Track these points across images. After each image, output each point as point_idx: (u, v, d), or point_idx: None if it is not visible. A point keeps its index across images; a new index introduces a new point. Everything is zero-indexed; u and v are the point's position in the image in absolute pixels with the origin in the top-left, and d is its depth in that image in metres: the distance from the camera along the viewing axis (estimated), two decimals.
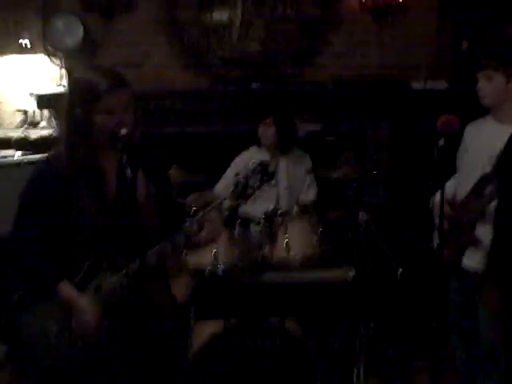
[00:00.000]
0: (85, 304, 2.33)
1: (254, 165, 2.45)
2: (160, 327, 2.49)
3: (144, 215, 2.30)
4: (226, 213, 3.17)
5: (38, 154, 4.33)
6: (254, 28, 5.15)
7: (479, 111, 3.24)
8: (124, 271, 2.35)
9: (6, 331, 2.41)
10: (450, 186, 3.14)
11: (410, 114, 4.93)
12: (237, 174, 2.47)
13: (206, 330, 3.21)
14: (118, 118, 2.26)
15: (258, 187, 2.46)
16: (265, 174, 2.45)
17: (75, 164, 2.33)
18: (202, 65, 5.15)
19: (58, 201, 2.32)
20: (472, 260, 3.13)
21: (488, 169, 3.04)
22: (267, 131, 4.01)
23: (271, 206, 3.92)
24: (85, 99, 2.27)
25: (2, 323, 2.41)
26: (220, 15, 5.13)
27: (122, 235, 2.34)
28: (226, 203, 2.52)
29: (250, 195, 2.47)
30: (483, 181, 3.07)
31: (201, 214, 2.47)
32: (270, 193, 4.00)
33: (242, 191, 2.45)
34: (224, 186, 4.05)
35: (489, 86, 3.02)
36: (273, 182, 3.92)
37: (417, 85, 4.95)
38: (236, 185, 2.46)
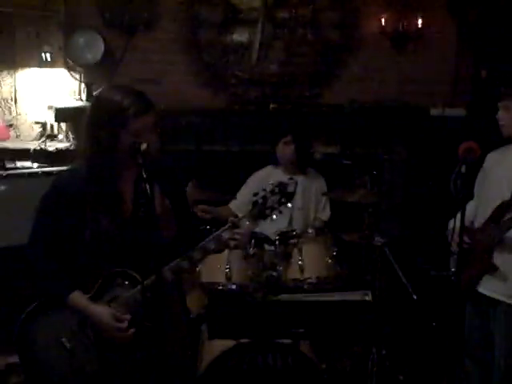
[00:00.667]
0: (99, 311, 2.33)
1: (273, 186, 2.42)
2: (172, 343, 2.47)
3: (160, 230, 2.29)
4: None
5: (54, 166, 4.36)
6: (273, 50, 5.19)
7: (497, 139, 3.23)
8: (139, 286, 2.34)
9: (20, 341, 2.41)
10: (467, 211, 3.12)
11: (427, 140, 4.92)
12: (255, 194, 2.44)
13: (216, 347, 3.18)
14: (143, 138, 2.26)
15: (277, 208, 2.43)
16: (284, 195, 2.42)
17: (95, 179, 2.33)
18: (220, 84, 5.17)
19: (74, 213, 2.33)
20: (489, 287, 3.10)
21: (507, 196, 3.04)
22: (286, 149, 4.02)
23: (284, 226, 3.92)
24: (112, 122, 2.26)
25: (16, 333, 2.40)
26: (240, 36, 5.17)
27: (139, 249, 2.34)
28: (243, 222, 2.48)
29: (268, 216, 2.44)
30: (502, 208, 3.06)
31: (218, 232, 2.46)
32: (284, 212, 3.99)
33: (260, 212, 2.43)
34: (239, 203, 4.04)
35: (508, 116, 3.02)
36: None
37: (435, 111, 4.95)
38: (254, 205, 2.44)
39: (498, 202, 3.07)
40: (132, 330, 2.33)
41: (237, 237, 2.44)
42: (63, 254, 2.36)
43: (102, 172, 2.33)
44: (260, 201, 2.40)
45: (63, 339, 2.36)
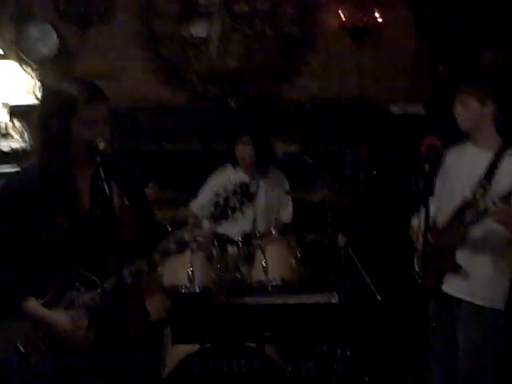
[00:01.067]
0: (55, 318, 2.25)
1: (235, 186, 2.37)
2: (134, 347, 2.41)
3: (119, 230, 2.19)
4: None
5: (9, 166, 4.22)
6: (233, 44, 5.13)
7: (456, 135, 3.25)
8: (98, 289, 2.27)
9: None
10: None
11: (387, 136, 4.94)
12: (217, 195, 2.38)
13: (180, 352, 3.13)
14: (96, 130, 2.20)
15: (238, 208, 2.37)
16: (245, 195, 2.36)
17: (49, 177, 2.25)
18: (179, 80, 5.08)
19: (28, 214, 2.24)
20: (452, 286, 3.12)
21: (468, 194, 3.05)
22: (244, 150, 3.96)
23: (248, 227, 3.88)
24: (62, 110, 2.20)
25: None
26: (198, 30, 5.09)
27: (97, 251, 2.27)
28: (205, 223, 2.42)
29: (230, 216, 2.39)
30: (464, 206, 3.07)
31: (179, 232, 2.39)
32: (247, 213, 3.95)
33: (221, 212, 2.37)
34: (200, 204, 3.98)
35: (464, 111, 3.04)
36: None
37: (394, 108, 4.97)
38: (215, 205, 2.37)
39: (460, 201, 3.08)
40: (91, 334, 2.26)
41: (199, 238, 2.39)
42: (17, 257, 2.27)
43: (55, 167, 2.25)
44: (221, 201, 2.35)
45: (18, 344, 2.26)
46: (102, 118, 2.23)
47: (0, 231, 2.26)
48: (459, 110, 3.06)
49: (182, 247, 2.39)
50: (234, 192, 2.36)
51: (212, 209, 2.36)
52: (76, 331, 2.25)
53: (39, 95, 4.74)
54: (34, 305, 2.25)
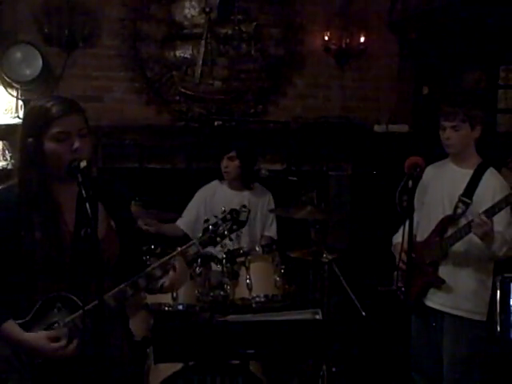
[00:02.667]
0: (32, 337, 2.19)
1: (225, 213, 2.34)
2: (116, 368, 2.37)
3: (104, 252, 2.18)
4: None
5: None
6: (217, 66, 5.16)
7: (439, 154, 3.28)
8: (80, 311, 2.21)
9: None
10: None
11: (371, 155, 4.97)
12: (206, 221, 2.36)
13: (164, 370, 3.08)
14: (69, 143, 2.16)
15: (227, 236, 2.36)
16: (235, 222, 2.35)
17: (28, 195, 2.21)
18: (164, 101, 5.10)
19: (8, 234, 2.19)
20: (435, 300, 3.13)
21: (449, 211, 3.08)
22: (231, 165, 3.96)
23: (231, 244, 3.87)
24: (36, 126, 2.17)
25: None
26: (183, 52, 5.13)
27: (79, 272, 2.22)
28: (193, 249, 2.39)
29: (218, 243, 2.38)
30: (444, 222, 3.10)
31: (165, 258, 2.35)
32: None
33: (210, 238, 2.35)
34: (187, 221, 3.95)
35: (456, 135, 3.07)
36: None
37: (378, 127, 5.01)
38: (204, 231, 2.35)
39: (440, 216, 3.11)
40: (73, 346, 2.20)
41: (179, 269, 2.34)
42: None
43: (33, 185, 2.21)
44: (211, 228, 2.33)
45: None
46: (76, 131, 2.18)
47: None
48: (450, 135, 3.08)
49: (166, 273, 2.34)
50: (224, 219, 2.34)
51: (201, 235, 2.35)
52: (54, 346, 2.18)
53: (21, 115, 4.74)
54: (11, 327, 2.19)
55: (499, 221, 2.90)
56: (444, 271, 3.10)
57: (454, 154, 3.16)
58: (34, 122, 2.19)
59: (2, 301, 2.21)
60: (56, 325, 2.23)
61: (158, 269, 2.32)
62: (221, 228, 2.32)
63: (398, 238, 3.22)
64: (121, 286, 2.28)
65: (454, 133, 3.07)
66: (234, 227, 2.33)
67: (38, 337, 2.19)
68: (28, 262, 2.20)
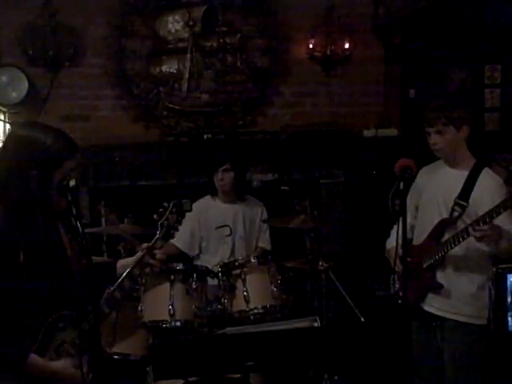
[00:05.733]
0: (61, 366, 2.22)
1: (170, 206, 2.57)
2: None
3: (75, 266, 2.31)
4: None
5: None
6: (204, 79, 5.16)
7: (429, 157, 3.27)
8: (84, 323, 2.26)
9: None
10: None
11: (362, 161, 4.96)
12: (159, 215, 2.57)
13: None
14: (72, 175, 2.26)
15: (177, 227, 2.61)
16: (180, 214, 2.61)
17: (30, 225, 2.21)
18: (151, 117, 5.09)
19: (8, 265, 2.17)
20: (434, 304, 3.10)
21: (445, 214, 3.06)
22: (226, 177, 3.94)
23: (227, 256, 3.86)
24: (45, 163, 2.21)
25: None
26: (169, 67, 5.13)
27: (76, 289, 2.28)
28: (158, 243, 2.56)
29: (173, 236, 2.61)
30: (441, 226, 3.07)
31: (139, 256, 2.55)
32: (227, 242, 3.93)
33: (166, 233, 2.58)
34: (183, 239, 3.91)
35: (442, 140, 3.05)
36: (227, 231, 3.90)
37: (368, 132, 5.01)
38: (161, 227, 2.57)
39: (436, 220, 3.08)
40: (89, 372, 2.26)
41: (159, 256, 2.54)
42: (4, 313, 2.18)
43: (35, 214, 2.22)
44: (165, 222, 2.55)
45: None
46: (75, 169, 2.29)
47: None
48: (437, 140, 3.06)
49: (144, 269, 2.53)
50: (171, 212, 2.56)
51: (159, 231, 2.55)
52: (79, 374, 2.18)
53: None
54: (36, 360, 2.18)
55: (503, 220, 2.85)
56: (442, 276, 3.07)
57: (446, 157, 3.14)
58: (42, 158, 2.21)
59: (18, 338, 2.19)
60: (65, 345, 2.26)
61: (137, 267, 2.49)
62: (171, 221, 2.55)
63: (391, 243, 3.20)
64: (109, 291, 2.39)
65: (439, 137, 3.04)
66: (180, 218, 2.58)
67: (66, 366, 2.22)
68: (31, 291, 2.19)
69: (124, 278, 2.45)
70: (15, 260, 2.18)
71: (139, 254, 2.56)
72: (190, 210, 2.63)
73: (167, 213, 2.55)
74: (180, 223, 2.58)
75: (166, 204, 2.60)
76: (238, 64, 5.20)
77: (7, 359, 2.17)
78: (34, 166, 2.20)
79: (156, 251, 2.55)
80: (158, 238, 2.55)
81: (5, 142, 2.34)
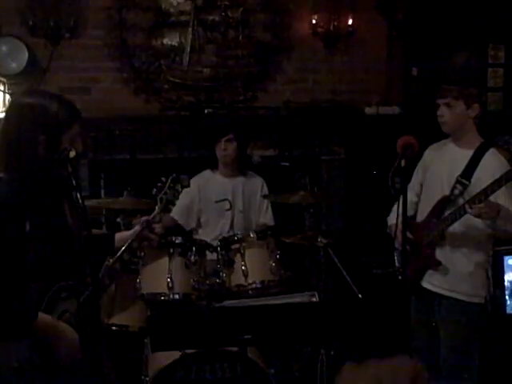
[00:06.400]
0: (64, 327, 2.27)
1: (168, 182, 2.69)
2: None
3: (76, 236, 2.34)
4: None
5: None
6: (205, 53, 5.12)
7: (432, 135, 3.26)
8: (85, 294, 2.31)
9: None
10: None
11: (363, 138, 4.95)
12: (158, 189, 2.69)
13: (162, 359, 3.08)
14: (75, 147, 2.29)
15: (174, 202, 2.73)
16: (177, 190, 2.72)
17: (38, 189, 2.25)
18: (152, 90, 5.06)
19: (17, 227, 2.21)
20: (432, 282, 3.12)
21: (447, 191, 3.06)
22: (229, 147, 3.92)
23: (226, 229, 3.86)
24: (53, 125, 2.26)
25: None
26: (170, 40, 5.09)
27: (77, 258, 2.32)
28: (156, 217, 2.66)
29: (171, 210, 2.79)
30: (442, 203, 3.07)
31: (137, 230, 2.64)
32: (226, 215, 3.93)
33: (165, 207, 2.70)
34: (180, 210, 3.91)
35: (450, 113, 3.03)
36: (227, 205, 3.90)
37: (369, 110, 4.98)
38: (160, 200, 2.69)
39: (439, 197, 3.08)
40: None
41: (158, 230, 2.67)
42: (17, 274, 2.22)
43: (42, 182, 2.27)
44: (164, 197, 2.65)
45: (18, 366, 2.22)
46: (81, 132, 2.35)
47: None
48: (444, 113, 3.05)
49: (143, 242, 2.69)
50: (169, 187, 2.67)
51: (159, 204, 2.67)
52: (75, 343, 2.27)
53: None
54: (45, 318, 2.23)
55: (503, 198, 2.85)
56: (441, 253, 3.07)
57: (453, 134, 3.12)
58: (50, 125, 2.25)
59: (30, 297, 2.25)
60: (67, 314, 2.30)
61: (136, 241, 2.60)
62: (169, 195, 2.66)
63: (392, 219, 3.20)
64: (109, 263, 2.51)
65: (447, 110, 3.04)
66: (177, 193, 2.69)
67: (71, 330, 2.27)
68: (37, 256, 2.24)
69: (123, 250, 2.51)
70: (21, 226, 2.21)
71: (137, 228, 2.63)
72: (188, 186, 2.71)
73: (165, 187, 2.63)
74: (177, 198, 2.66)
75: (163, 179, 2.67)
76: (240, 38, 5.15)
77: (18, 316, 2.21)
78: (40, 131, 2.24)
79: (154, 225, 2.63)
80: (156, 213, 2.63)
81: (8, 111, 2.38)
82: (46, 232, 2.25)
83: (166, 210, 2.68)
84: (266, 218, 4.07)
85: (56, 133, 2.26)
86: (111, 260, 2.59)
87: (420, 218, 3.19)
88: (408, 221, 2.91)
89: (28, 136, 2.25)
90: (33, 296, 2.25)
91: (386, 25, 5.22)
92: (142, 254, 3.41)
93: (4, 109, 4.75)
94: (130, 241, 2.57)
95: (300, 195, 3.81)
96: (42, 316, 2.23)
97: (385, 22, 5.22)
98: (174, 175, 2.70)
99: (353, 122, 4.99)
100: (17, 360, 2.23)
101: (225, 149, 3.92)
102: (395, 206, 2.84)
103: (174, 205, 2.69)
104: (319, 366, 3.36)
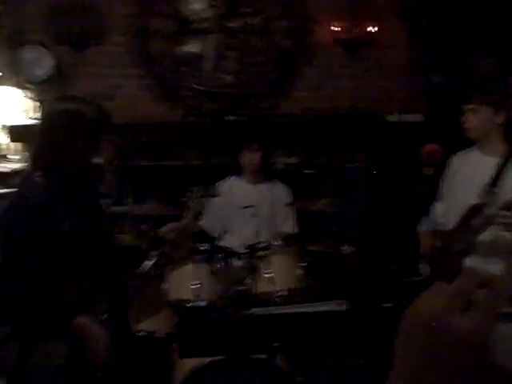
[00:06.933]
0: (100, 331, 2.33)
1: (198, 192, 2.90)
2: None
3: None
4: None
5: (8, 187, 4.19)
6: (227, 60, 5.14)
7: (454, 143, 3.25)
8: (105, 316, 2.39)
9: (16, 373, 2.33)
10: (435, 214, 3.13)
11: (386, 146, 4.94)
12: (187, 197, 2.86)
13: (189, 366, 3.08)
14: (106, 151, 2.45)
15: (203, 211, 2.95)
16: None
17: (72, 191, 2.33)
18: (174, 97, 5.09)
19: (49, 231, 2.29)
20: None
21: (476, 200, 3.04)
22: (254, 156, 3.95)
23: (251, 238, 3.86)
24: (87, 133, 2.35)
25: (14, 366, 2.32)
26: (192, 47, 5.12)
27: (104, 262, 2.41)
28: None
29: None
30: (472, 211, 3.06)
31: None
32: (251, 223, 3.94)
33: (195, 215, 2.96)
34: (210, 220, 3.92)
35: (475, 119, 3.02)
36: (252, 212, 3.91)
37: (391, 117, 4.97)
38: (188, 209, 2.90)
39: (467, 206, 3.07)
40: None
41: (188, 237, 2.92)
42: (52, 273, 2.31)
43: (81, 184, 2.38)
44: (192, 206, 2.81)
45: (61, 364, 2.31)
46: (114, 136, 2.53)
47: (31, 252, 2.27)
48: (470, 119, 3.03)
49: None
50: (200, 196, 2.88)
51: (187, 212, 2.86)
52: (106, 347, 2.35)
53: (40, 115, 4.72)
54: (80, 318, 2.31)
55: None
56: (470, 262, 3.05)
57: (479, 141, 3.10)
58: (84, 126, 2.34)
59: (62, 297, 2.33)
60: (106, 315, 2.40)
61: (165, 246, 2.85)
62: (198, 204, 2.84)
63: (422, 226, 3.20)
64: (147, 269, 2.67)
65: (472, 116, 3.02)
66: (204, 203, 2.89)
67: (103, 331, 2.35)
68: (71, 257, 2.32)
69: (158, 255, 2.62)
70: (59, 227, 2.29)
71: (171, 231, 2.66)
72: (216, 195, 2.74)
73: (194, 196, 2.72)
74: (204, 207, 2.80)
75: (192, 188, 2.78)
76: (262, 45, 5.17)
77: (57, 315, 2.31)
78: (77, 136, 2.33)
79: (185, 232, 2.66)
80: (186, 221, 2.75)
81: (46, 117, 2.45)
82: (84, 233, 2.29)
83: (196, 218, 2.73)
84: (290, 225, 4.07)
85: (92, 137, 2.34)
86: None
87: (448, 226, 3.18)
88: (437, 229, 2.91)
89: (65, 140, 2.32)
90: (71, 296, 2.31)
91: (409, 32, 5.21)
92: (169, 259, 3.43)
93: (33, 115, 4.81)
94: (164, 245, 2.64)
95: (323, 203, 3.82)
96: (79, 317, 2.29)
97: (407, 29, 5.21)
98: (203, 185, 2.74)
99: (375, 129, 4.98)
100: (56, 358, 2.31)
101: (250, 159, 3.94)
102: (430, 214, 2.83)
103: (202, 214, 2.78)
104: (347, 375, 3.35)
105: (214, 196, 2.78)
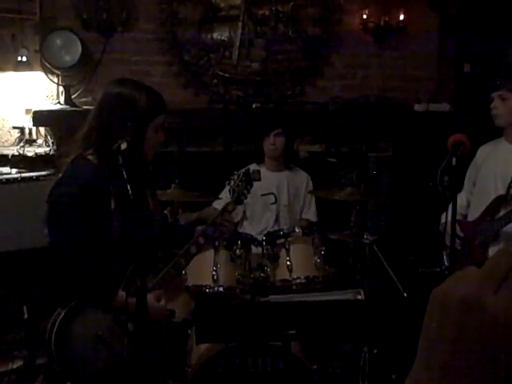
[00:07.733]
0: (150, 297, 2.43)
1: (240, 175, 2.82)
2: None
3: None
4: None
5: (34, 171, 4.25)
6: (255, 48, 5.12)
7: (482, 133, 3.21)
8: (164, 271, 2.60)
9: (58, 340, 2.40)
10: (458, 204, 3.08)
11: (412, 135, 4.88)
12: (228, 183, 2.84)
13: (205, 351, 3.11)
14: (160, 136, 2.56)
15: (246, 195, 2.84)
16: (248, 182, 2.81)
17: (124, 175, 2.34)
18: (201, 84, 5.10)
19: (102, 210, 2.40)
20: None
21: (501, 191, 3.01)
22: (277, 141, 3.95)
23: (271, 225, 3.87)
24: (139, 117, 2.43)
25: (55, 333, 2.40)
26: (220, 35, 5.11)
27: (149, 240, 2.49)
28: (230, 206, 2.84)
29: (243, 201, 2.87)
30: (497, 202, 3.02)
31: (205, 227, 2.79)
32: (271, 210, 3.94)
33: (238, 198, 2.82)
34: (224, 203, 3.94)
35: (503, 106, 3.01)
36: (272, 199, 3.92)
37: (419, 107, 4.91)
38: (232, 192, 2.83)
39: (493, 196, 3.04)
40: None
41: (227, 223, 2.82)
42: (97, 253, 2.41)
43: (128, 166, 2.37)
44: (236, 189, 2.77)
45: (101, 334, 2.42)
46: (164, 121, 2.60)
47: (84, 227, 2.36)
48: (498, 105, 3.04)
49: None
50: (241, 180, 2.81)
51: (231, 195, 2.84)
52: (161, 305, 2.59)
53: (62, 101, 4.78)
54: (123, 298, 2.34)
55: None
56: (494, 252, 3.02)
57: (506, 129, 3.07)
58: (135, 111, 2.42)
59: (106, 274, 2.44)
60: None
61: (194, 246, 2.74)
62: (241, 188, 2.78)
63: (445, 217, 3.17)
64: (167, 269, 2.65)
65: (500, 103, 3.02)
66: (248, 186, 2.80)
67: (150, 297, 2.48)
68: (119, 236, 2.43)
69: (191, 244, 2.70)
70: (107, 205, 2.37)
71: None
72: (259, 179, 2.83)
73: (238, 180, 2.76)
74: (249, 191, 2.78)
75: (236, 172, 2.82)
76: (290, 33, 5.14)
77: (98, 294, 2.43)
78: (129, 120, 2.40)
79: (228, 215, 2.81)
80: (229, 203, 2.79)
81: (101, 99, 2.53)
82: (129, 212, 2.32)
83: (239, 201, 2.80)
84: (310, 213, 4.07)
85: (143, 122, 2.42)
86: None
87: (472, 216, 3.14)
88: (460, 219, 2.87)
89: (117, 123, 2.39)
90: (114, 273, 2.40)
91: (438, 20, 5.12)
92: None
93: (57, 100, 4.86)
94: (211, 221, 2.77)
95: (346, 192, 3.78)
96: (121, 293, 2.36)
97: (437, 18, 5.12)
98: (246, 169, 2.84)
99: (402, 118, 4.92)
100: (100, 329, 2.42)
101: (273, 143, 3.93)
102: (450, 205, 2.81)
103: (245, 197, 2.80)
104: (362, 364, 3.34)
105: (259, 180, 2.79)
